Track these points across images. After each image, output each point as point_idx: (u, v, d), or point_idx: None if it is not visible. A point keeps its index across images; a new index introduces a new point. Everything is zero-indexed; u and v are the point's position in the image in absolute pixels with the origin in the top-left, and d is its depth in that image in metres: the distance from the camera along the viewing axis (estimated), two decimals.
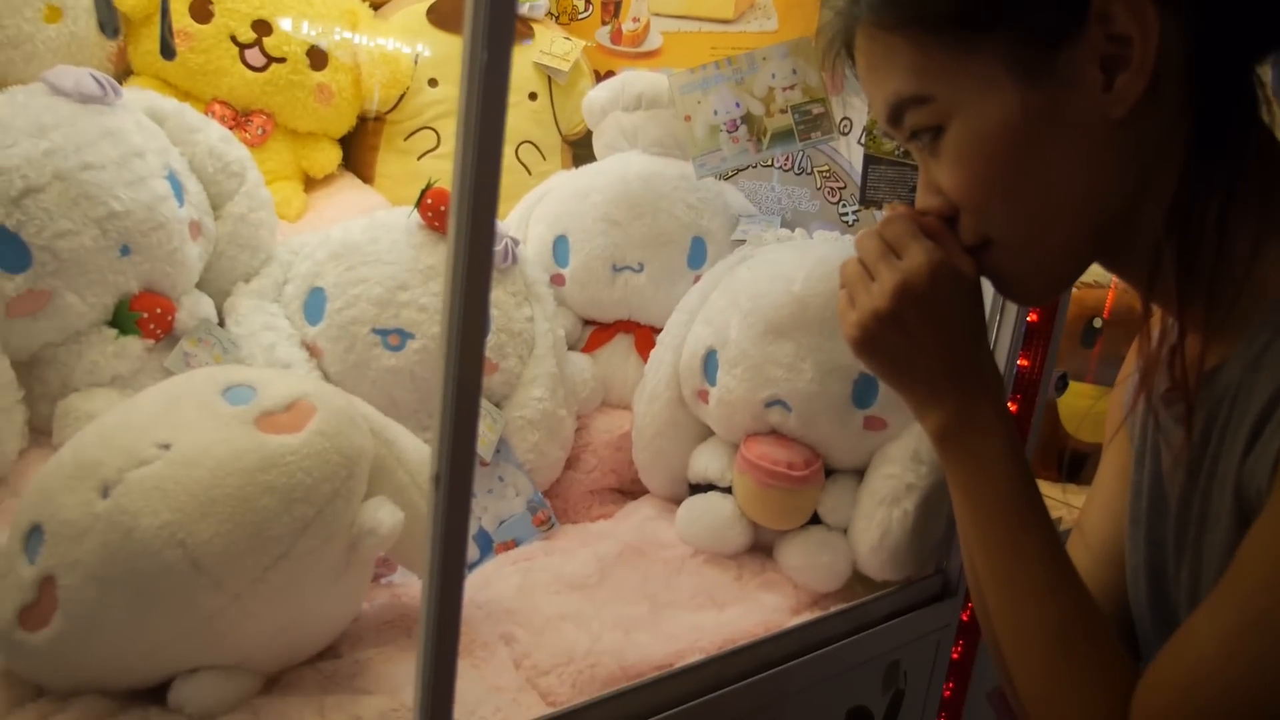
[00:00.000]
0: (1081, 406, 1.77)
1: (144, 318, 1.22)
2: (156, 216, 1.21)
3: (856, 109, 1.57)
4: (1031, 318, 1.31)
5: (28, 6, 1.44)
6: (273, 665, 0.96)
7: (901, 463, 1.24)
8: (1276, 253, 0.67)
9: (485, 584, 1.21)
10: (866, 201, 1.40)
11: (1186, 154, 0.69)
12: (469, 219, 0.69)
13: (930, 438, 0.82)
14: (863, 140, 1.53)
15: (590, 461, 1.50)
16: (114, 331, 1.21)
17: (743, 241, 1.51)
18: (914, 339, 0.79)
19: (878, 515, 1.22)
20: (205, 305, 1.32)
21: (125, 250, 1.18)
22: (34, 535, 0.88)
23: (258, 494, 0.86)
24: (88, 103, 1.20)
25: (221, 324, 1.34)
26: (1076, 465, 1.84)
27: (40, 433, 1.20)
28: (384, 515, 0.94)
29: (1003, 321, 1.28)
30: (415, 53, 1.80)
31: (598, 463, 1.50)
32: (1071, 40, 0.67)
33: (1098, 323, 1.78)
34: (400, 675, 0.99)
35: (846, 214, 1.58)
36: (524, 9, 1.89)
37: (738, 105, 1.51)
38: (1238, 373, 0.68)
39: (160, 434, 0.88)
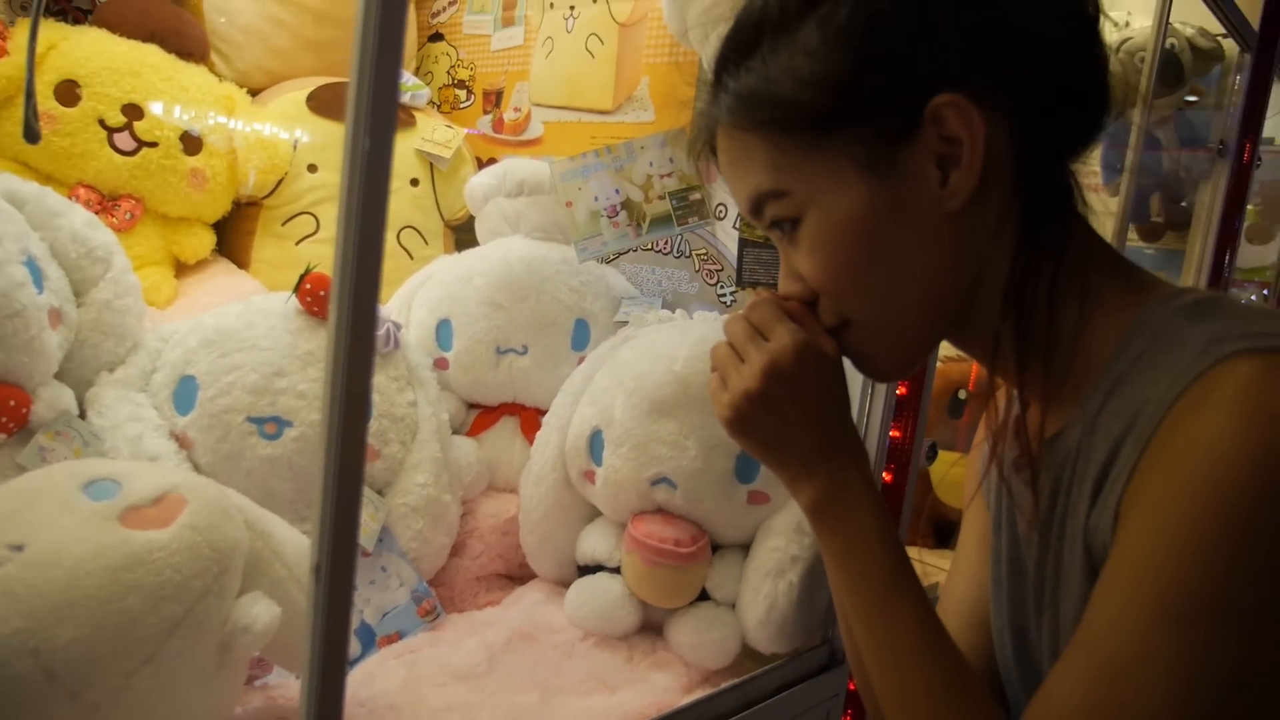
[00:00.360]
0: (953, 475, 1.85)
1: None
2: (12, 304, 1.15)
3: (728, 195, 1.64)
4: (901, 391, 1.38)
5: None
6: None
7: (785, 535, 1.26)
8: (1101, 325, 0.74)
9: (368, 680, 1.16)
10: (743, 283, 1.45)
11: (1017, 241, 0.76)
12: (351, 304, 0.69)
13: (804, 511, 0.86)
14: (737, 225, 1.60)
15: (477, 547, 1.48)
16: None
17: (625, 323, 1.54)
18: (784, 417, 0.83)
19: (764, 588, 1.24)
20: (65, 396, 1.25)
21: None
22: None
23: (121, 594, 0.81)
24: None
25: (83, 416, 1.28)
26: (950, 531, 1.91)
27: None
28: (259, 611, 0.90)
29: (874, 396, 1.34)
30: (294, 138, 1.79)
31: (484, 548, 1.48)
32: (910, 141, 0.73)
33: (963, 394, 1.88)
34: None
35: (724, 295, 1.64)
36: (406, 98, 1.92)
37: (617, 192, 1.56)
38: (1076, 437, 0.73)
39: (12, 534, 0.83)
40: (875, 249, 0.76)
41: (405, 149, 1.90)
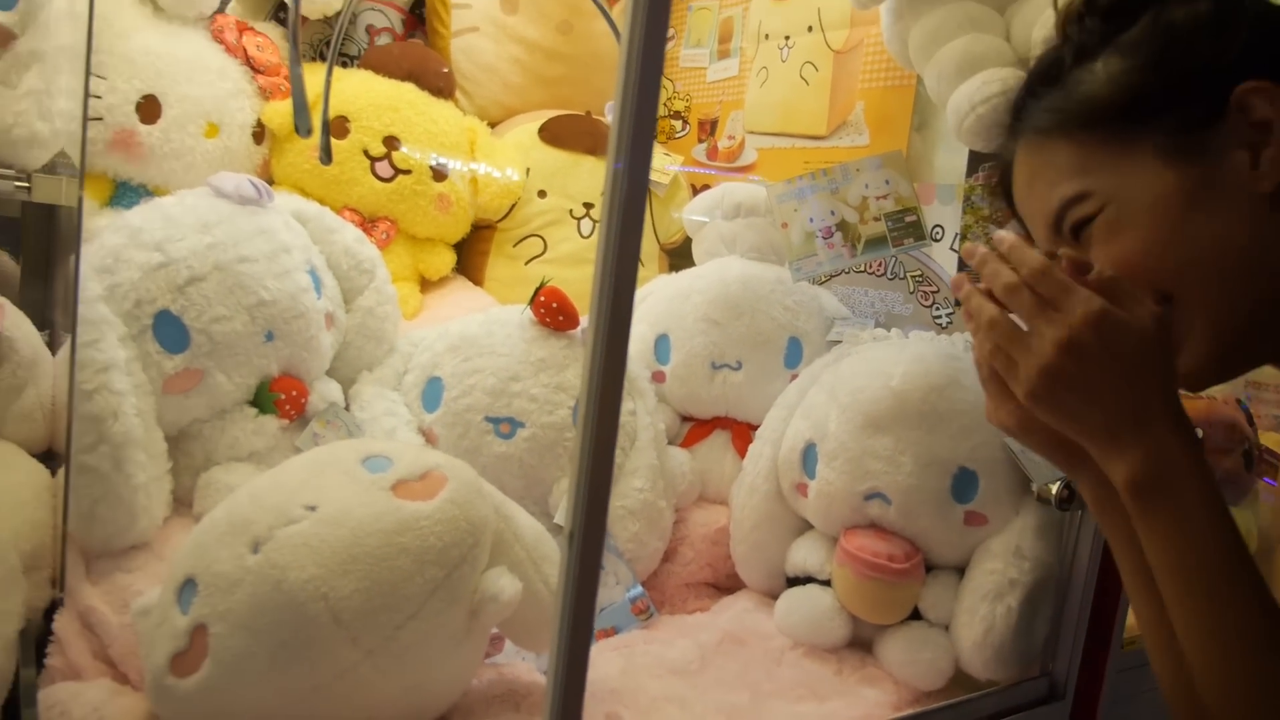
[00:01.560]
0: None
1: (281, 399, 1.31)
2: (298, 306, 1.31)
3: (948, 218, 1.63)
4: None
5: (191, 123, 1.62)
6: None
7: (1004, 558, 1.24)
8: None
9: (589, 665, 1.23)
10: (960, 302, 1.44)
11: None
12: (609, 309, 0.77)
13: (1120, 491, 0.79)
14: (955, 246, 1.59)
15: (687, 554, 1.52)
16: (254, 410, 1.31)
17: (838, 342, 1.56)
18: (1087, 389, 0.77)
19: (980, 611, 1.22)
20: (334, 390, 1.41)
21: (270, 336, 1.29)
22: (187, 587, 0.94)
23: (394, 555, 0.91)
24: (245, 204, 1.33)
25: (347, 408, 1.43)
26: None
27: (181, 503, 1.29)
28: (505, 584, 0.99)
29: None
30: (526, 167, 1.94)
31: (694, 556, 1.52)
32: (1216, 126, 0.76)
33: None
34: None
35: (940, 317, 1.62)
36: None
37: (832, 213, 1.59)
38: None
39: (307, 496, 0.95)
40: (1185, 227, 0.77)
41: None
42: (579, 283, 1.77)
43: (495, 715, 1.09)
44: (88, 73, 1.10)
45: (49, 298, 1.63)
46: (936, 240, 1.63)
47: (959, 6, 1.38)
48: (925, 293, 1.66)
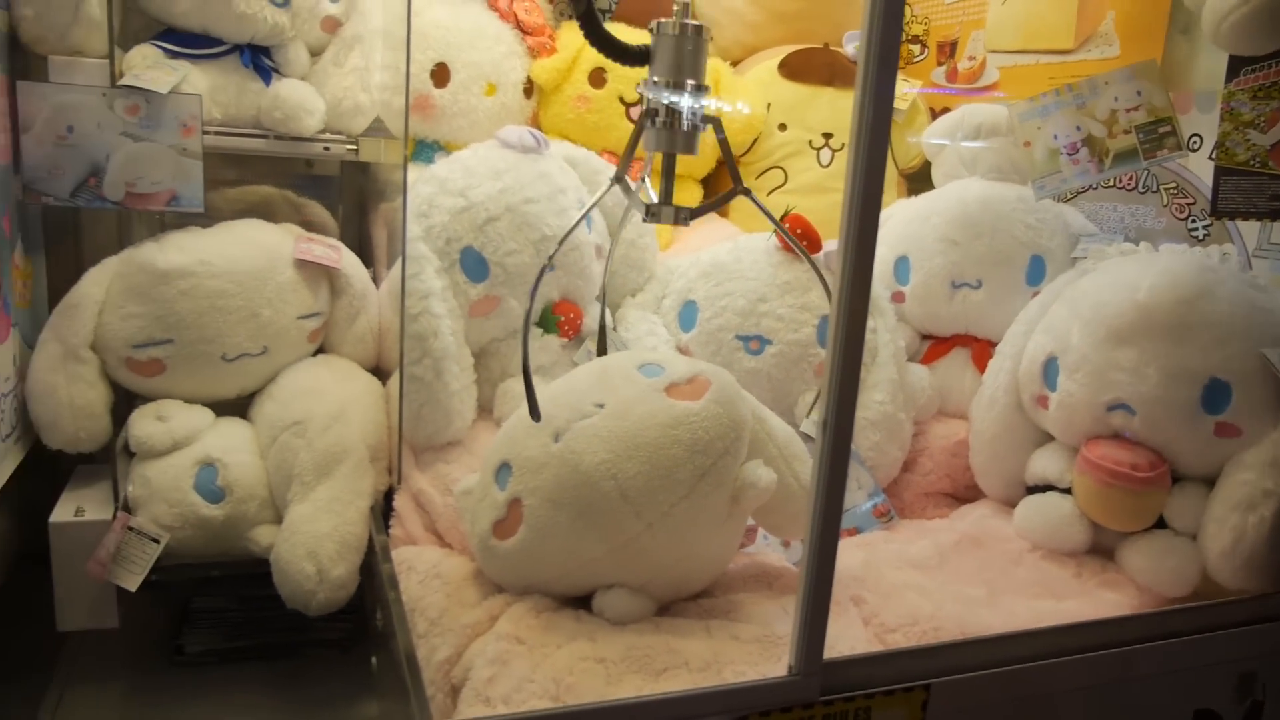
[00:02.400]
0: None
1: (562, 320, 1.52)
2: (574, 239, 1.51)
3: (1206, 126, 1.57)
4: None
5: (474, 85, 1.85)
6: (665, 594, 1.18)
7: (1258, 469, 1.23)
8: None
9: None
10: (1218, 213, 1.40)
11: None
12: (857, 226, 0.88)
13: None
14: (1213, 155, 1.53)
15: (926, 465, 1.61)
16: (540, 330, 1.53)
17: (1082, 258, 1.57)
18: None
19: (1231, 520, 1.23)
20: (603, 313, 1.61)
21: (551, 266, 1.50)
22: (503, 470, 1.17)
23: (669, 444, 1.08)
24: (527, 153, 1.53)
25: (614, 329, 1.63)
26: None
27: (483, 409, 1.53)
28: (762, 473, 1.13)
29: None
30: (767, 102, 2.04)
31: (933, 466, 1.61)
32: None
33: None
34: (768, 614, 1.17)
35: (1196, 229, 1.58)
36: None
37: (1078, 129, 1.58)
38: None
39: (596, 396, 1.14)
40: None
41: None
42: (820, 210, 1.87)
43: (750, 590, 1.25)
44: (409, 50, 1.32)
45: (364, 239, 1.95)
46: (1194, 150, 1.58)
47: None
48: (1180, 205, 1.61)
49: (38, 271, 1.64)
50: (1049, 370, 1.41)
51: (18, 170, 1.45)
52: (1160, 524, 1.31)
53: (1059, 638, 1.11)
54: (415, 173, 1.64)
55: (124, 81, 1.45)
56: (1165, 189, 1.64)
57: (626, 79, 1.93)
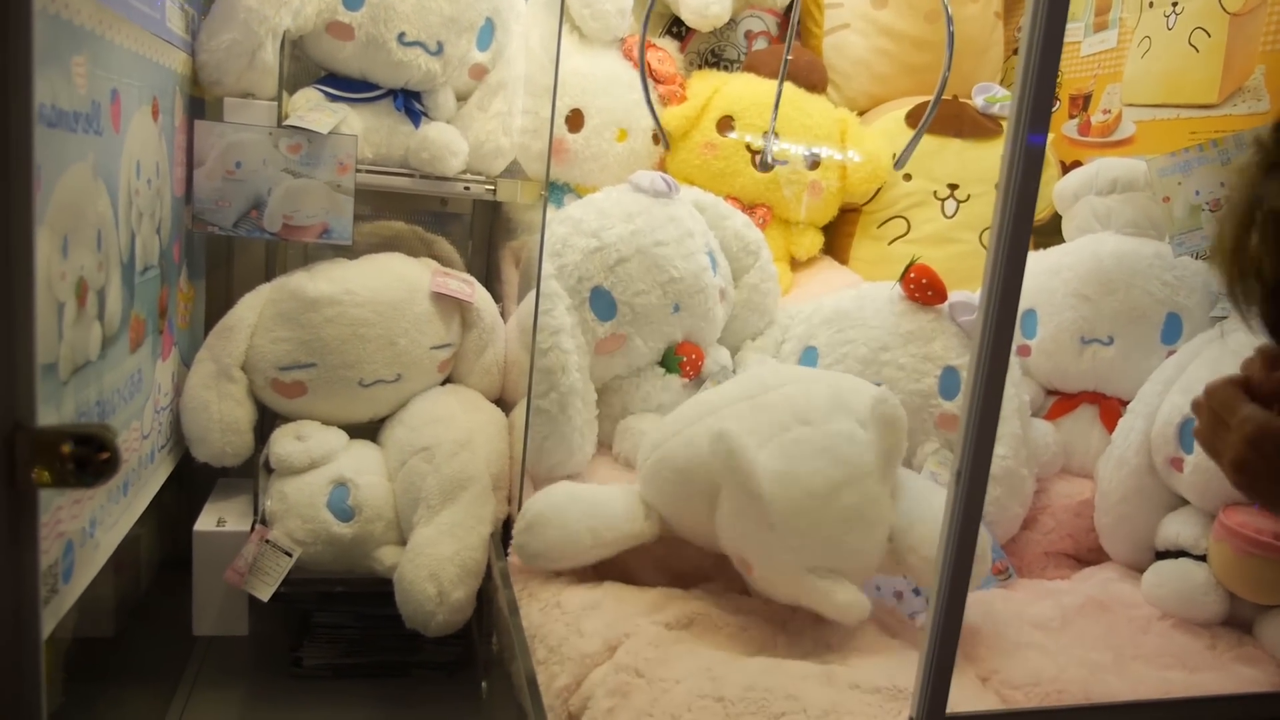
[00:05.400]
0: None
1: (684, 361, 1.56)
2: (700, 283, 1.55)
3: None
4: None
5: (607, 130, 1.92)
6: None
7: None
8: None
9: None
10: None
11: None
12: (999, 296, 0.88)
13: None
14: None
15: (1048, 524, 1.57)
16: (662, 370, 1.57)
17: (1224, 317, 1.52)
18: (1268, 492, 0.80)
19: None
20: (724, 355, 1.64)
21: (676, 308, 1.54)
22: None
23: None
24: (658, 197, 1.58)
25: (734, 372, 1.65)
26: None
27: (602, 444, 1.57)
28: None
29: None
30: (893, 152, 2.05)
31: (1055, 525, 1.56)
32: None
33: None
34: (890, 665, 1.16)
35: None
36: (995, 109, 2.06)
37: (1222, 185, 1.54)
38: None
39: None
40: None
41: (992, 156, 2.05)
42: (943, 261, 1.86)
43: (871, 637, 1.24)
44: (554, 98, 1.39)
45: (491, 275, 2.04)
46: None
47: None
48: None
49: (198, 295, 1.77)
50: (1185, 432, 1.36)
51: (188, 201, 1.58)
52: None
53: (1193, 710, 1.07)
54: (549, 213, 1.72)
55: (289, 122, 1.57)
56: None
57: (753, 126, 1.97)
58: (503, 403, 1.76)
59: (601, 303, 1.51)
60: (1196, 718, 1.08)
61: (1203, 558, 1.33)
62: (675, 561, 1.34)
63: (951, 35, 1.89)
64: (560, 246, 1.53)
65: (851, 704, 1.05)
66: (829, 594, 1.13)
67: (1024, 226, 0.90)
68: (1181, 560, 1.34)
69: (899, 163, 1.99)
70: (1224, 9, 1.80)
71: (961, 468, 0.89)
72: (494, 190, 1.80)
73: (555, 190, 1.97)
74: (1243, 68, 1.77)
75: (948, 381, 1.53)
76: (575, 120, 1.89)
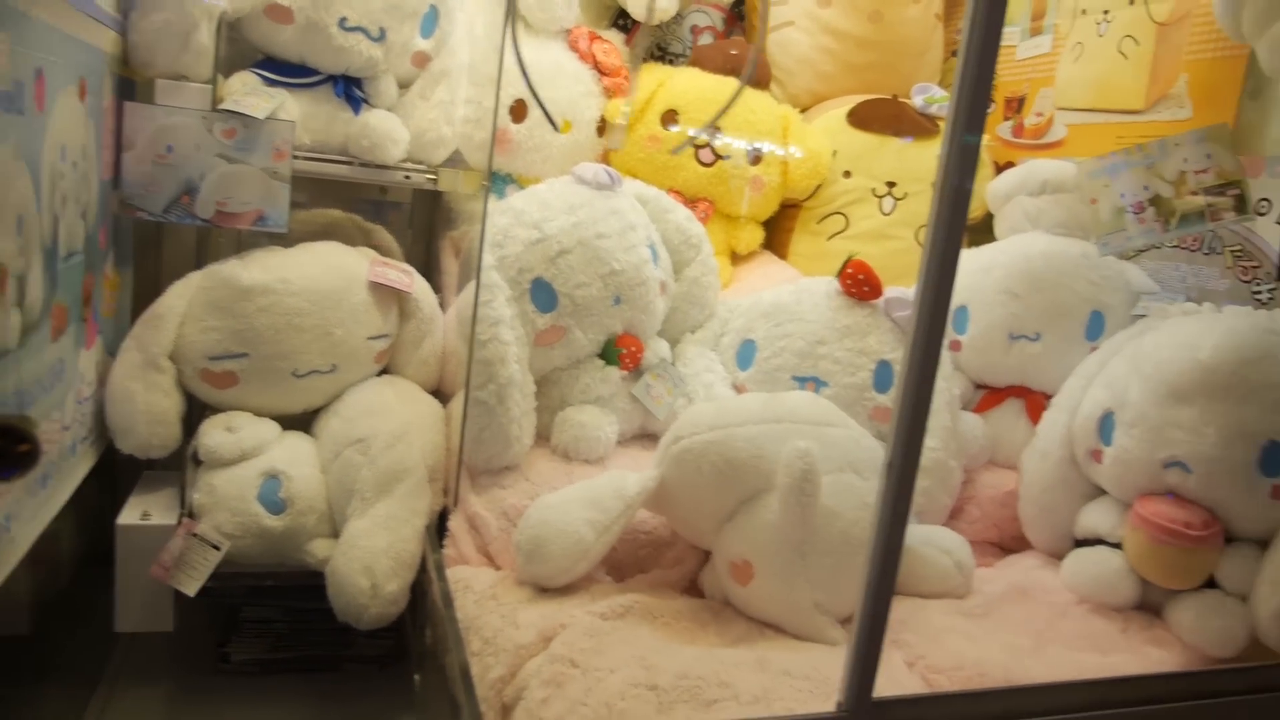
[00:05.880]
0: None
1: (623, 353, 1.56)
2: (640, 275, 1.56)
3: (1275, 190, 1.57)
4: None
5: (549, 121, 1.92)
6: None
7: None
8: None
9: None
10: None
11: None
12: (933, 289, 0.91)
13: None
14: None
15: (974, 513, 1.61)
16: (601, 362, 1.57)
17: (1143, 315, 1.57)
18: None
19: None
20: (664, 348, 1.65)
21: (617, 300, 1.54)
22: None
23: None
24: (601, 189, 1.59)
25: (673, 364, 1.67)
26: None
27: (540, 436, 1.57)
28: None
29: None
30: (834, 149, 2.08)
31: (981, 515, 1.61)
32: None
33: None
34: (822, 653, 1.18)
35: (1260, 292, 1.57)
36: (933, 109, 2.10)
37: (1146, 188, 1.59)
38: None
39: None
40: None
41: (929, 155, 2.09)
42: (880, 257, 1.90)
43: None
44: (499, 88, 1.38)
45: (431, 265, 2.02)
46: (1261, 214, 1.58)
47: None
48: (1245, 268, 1.61)
49: (124, 283, 1.73)
50: (1105, 425, 1.41)
51: (116, 186, 1.54)
52: (1211, 584, 1.30)
53: (1106, 691, 1.11)
54: (491, 204, 1.71)
55: (224, 106, 1.54)
56: (1230, 251, 1.64)
57: (696, 120, 1.99)
58: (440, 394, 1.75)
59: (542, 294, 1.51)
60: (1107, 698, 1.12)
61: (1119, 545, 1.37)
62: (612, 554, 1.34)
63: None
64: (501, 237, 1.52)
65: (783, 690, 1.07)
66: (824, 630, 1.21)
67: (957, 224, 0.92)
68: (1098, 548, 1.39)
69: None
70: (1152, 19, 1.86)
71: (893, 459, 0.91)
72: (435, 179, 1.79)
73: (497, 181, 1.96)
74: (1168, 76, 1.83)
75: (882, 375, 1.56)
76: (519, 111, 1.89)
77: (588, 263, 1.51)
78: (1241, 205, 1.51)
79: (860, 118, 2.08)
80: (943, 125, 2.15)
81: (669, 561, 1.37)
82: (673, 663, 1.08)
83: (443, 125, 1.76)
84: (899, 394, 0.91)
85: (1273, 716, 1.21)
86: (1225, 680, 1.19)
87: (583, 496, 1.27)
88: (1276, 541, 1.26)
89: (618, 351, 1.56)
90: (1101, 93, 1.95)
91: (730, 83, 2.04)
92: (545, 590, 1.25)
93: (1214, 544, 1.28)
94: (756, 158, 2.00)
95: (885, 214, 2.09)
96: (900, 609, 1.33)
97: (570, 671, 1.06)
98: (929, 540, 1.39)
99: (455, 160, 1.85)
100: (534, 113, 1.89)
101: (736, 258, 2.11)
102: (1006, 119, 2.21)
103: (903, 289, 1.58)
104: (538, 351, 1.53)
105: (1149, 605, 1.36)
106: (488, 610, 1.22)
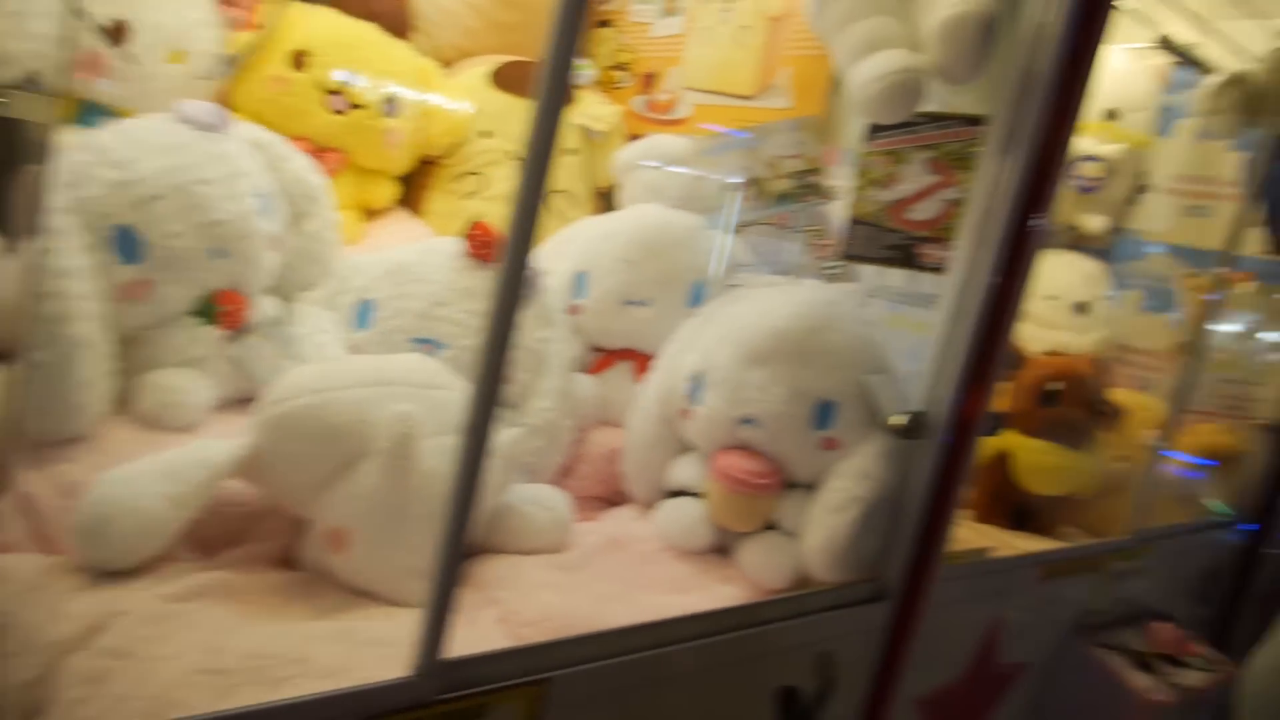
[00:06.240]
0: (1037, 461, 1.94)
1: (224, 311, 1.46)
2: (246, 227, 1.46)
3: (845, 178, 1.78)
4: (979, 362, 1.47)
5: (157, 49, 1.73)
6: None
7: (850, 477, 1.42)
8: None
9: (479, 559, 1.40)
10: (847, 256, 1.61)
11: None
12: (513, 248, 0.93)
13: None
14: (847, 205, 1.74)
15: (584, 470, 1.70)
16: (196, 320, 1.46)
17: (738, 286, 1.73)
18: None
19: (825, 521, 1.41)
20: (273, 306, 1.57)
21: (217, 253, 1.44)
22: None
23: None
24: (207, 130, 1.46)
25: (283, 324, 1.58)
26: (1026, 514, 2.01)
27: (124, 401, 1.42)
28: None
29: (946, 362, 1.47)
30: (474, 108, 2.07)
31: (590, 472, 1.70)
32: None
33: (1052, 387, 1.94)
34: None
35: (829, 268, 1.79)
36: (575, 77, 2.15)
37: (748, 169, 1.74)
38: None
39: None
40: None
41: (564, 121, 2.14)
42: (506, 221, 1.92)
43: None
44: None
45: (6, 206, 1.76)
46: (835, 199, 1.79)
47: None
48: (820, 246, 1.82)
49: None
50: (695, 386, 1.54)
51: None
52: (772, 527, 1.48)
53: (671, 629, 1.23)
54: (74, 137, 1.52)
55: None
56: (810, 230, 1.85)
57: (330, 65, 1.89)
58: (5, 355, 1.53)
59: (126, 244, 1.36)
60: (676, 635, 1.23)
61: (703, 496, 1.51)
62: (200, 529, 1.26)
63: None
64: (78, 177, 1.36)
65: (363, 659, 1.06)
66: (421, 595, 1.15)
67: (537, 186, 0.97)
68: (683, 498, 1.52)
69: None
70: (764, 11, 2.03)
71: (474, 420, 0.94)
72: (6, 103, 1.55)
73: (90, 111, 1.75)
74: (775, 67, 2.01)
75: None
76: (117, 32, 1.68)
77: (184, 210, 1.39)
78: (820, 190, 1.70)
79: (503, 78, 2.09)
80: (582, 93, 2.23)
81: (264, 534, 1.31)
82: (245, 643, 1.04)
83: (6, 39, 1.53)
84: (479, 361, 0.94)
85: (812, 635, 1.40)
86: (775, 609, 1.36)
87: (158, 468, 1.18)
88: (822, 487, 1.45)
89: (216, 309, 1.45)
90: (722, 76, 2.11)
91: (371, 29, 1.96)
92: (109, 575, 1.14)
93: (776, 491, 1.46)
94: (393, 110, 1.94)
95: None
96: (499, 567, 1.38)
97: (117, 665, 0.98)
98: (532, 499, 1.44)
99: (33, 83, 1.62)
100: (138, 37, 1.70)
101: (370, 214, 2.04)
102: (641, 94, 2.32)
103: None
104: (120, 308, 1.38)
105: (726, 547, 1.51)
106: (29, 604, 1.09)
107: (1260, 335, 2.72)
